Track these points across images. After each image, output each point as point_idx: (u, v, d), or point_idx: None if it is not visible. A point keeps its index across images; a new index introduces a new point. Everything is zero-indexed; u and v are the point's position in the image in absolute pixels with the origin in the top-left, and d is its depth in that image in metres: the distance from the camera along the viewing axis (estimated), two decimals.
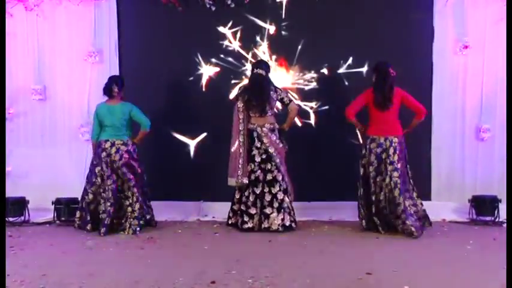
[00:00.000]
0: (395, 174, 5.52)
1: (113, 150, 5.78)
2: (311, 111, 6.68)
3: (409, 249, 5.00)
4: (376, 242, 5.31)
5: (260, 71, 5.83)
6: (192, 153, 6.77)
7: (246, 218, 5.77)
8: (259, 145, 5.79)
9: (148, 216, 6.00)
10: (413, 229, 5.40)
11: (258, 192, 5.76)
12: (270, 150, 5.77)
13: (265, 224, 5.73)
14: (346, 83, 6.62)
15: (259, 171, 5.78)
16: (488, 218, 6.11)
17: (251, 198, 5.77)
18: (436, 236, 5.57)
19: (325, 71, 6.65)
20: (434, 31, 6.51)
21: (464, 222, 6.19)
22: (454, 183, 6.60)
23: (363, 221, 5.74)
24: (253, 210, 5.77)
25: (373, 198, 5.62)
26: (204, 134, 6.75)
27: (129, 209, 5.76)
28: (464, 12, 6.46)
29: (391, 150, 5.57)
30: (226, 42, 6.67)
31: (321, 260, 4.61)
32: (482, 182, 6.52)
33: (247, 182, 5.76)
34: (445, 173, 6.62)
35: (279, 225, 5.71)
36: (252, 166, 5.79)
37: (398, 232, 5.50)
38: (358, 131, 6.21)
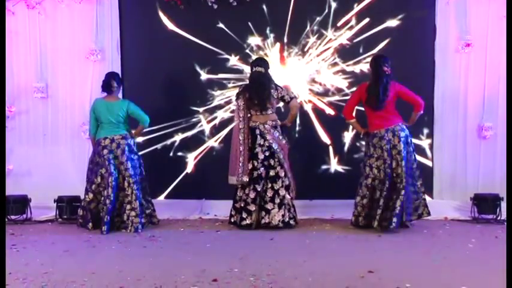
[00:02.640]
0: (403, 163, 5.52)
1: (114, 145, 5.77)
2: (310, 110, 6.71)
3: (411, 247, 5.00)
4: (378, 240, 5.31)
5: (259, 69, 5.83)
6: (193, 151, 6.77)
7: (244, 215, 5.77)
8: (262, 142, 5.79)
9: (148, 211, 5.98)
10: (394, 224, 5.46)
11: (259, 190, 5.76)
12: (273, 146, 5.77)
13: (265, 219, 5.72)
14: (347, 81, 6.61)
15: (262, 168, 5.77)
16: (490, 216, 6.11)
17: (251, 196, 5.77)
18: (438, 234, 5.56)
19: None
20: (436, 29, 6.51)
21: (467, 220, 6.19)
22: (456, 181, 6.59)
23: (359, 218, 5.73)
24: (252, 207, 5.77)
25: (385, 189, 5.54)
26: (206, 132, 6.74)
27: (129, 206, 5.75)
28: (467, 10, 6.45)
29: (396, 140, 5.56)
30: (228, 40, 6.67)
31: (323, 258, 4.60)
32: (484, 180, 6.51)
33: (247, 180, 5.76)
34: (447, 171, 6.61)
35: (279, 221, 5.71)
36: (255, 164, 5.78)
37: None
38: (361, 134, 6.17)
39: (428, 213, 5.76)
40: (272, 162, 5.78)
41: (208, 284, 3.91)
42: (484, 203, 6.14)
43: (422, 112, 5.72)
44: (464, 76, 6.53)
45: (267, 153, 5.78)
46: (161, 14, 6.68)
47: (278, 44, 6.65)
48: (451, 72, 6.54)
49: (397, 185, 5.53)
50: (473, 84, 6.52)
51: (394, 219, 5.46)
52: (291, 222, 5.79)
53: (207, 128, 6.73)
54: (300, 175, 6.09)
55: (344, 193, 6.26)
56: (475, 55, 6.49)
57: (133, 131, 5.97)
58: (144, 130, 6.08)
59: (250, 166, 5.78)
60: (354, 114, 5.81)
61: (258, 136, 5.80)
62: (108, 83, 5.86)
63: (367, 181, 5.70)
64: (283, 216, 5.74)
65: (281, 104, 6.20)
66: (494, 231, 5.61)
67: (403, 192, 5.49)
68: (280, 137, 5.83)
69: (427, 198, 5.98)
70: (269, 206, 5.74)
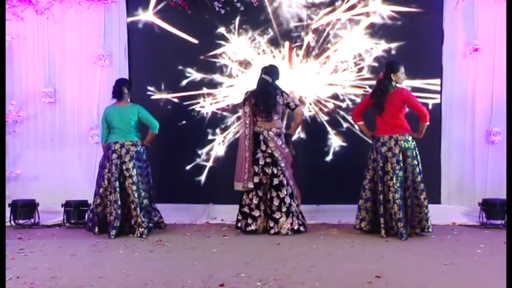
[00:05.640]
0: (401, 174, 5.50)
1: (123, 151, 5.79)
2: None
3: (419, 253, 4.97)
4: (385, 245, 5.29)
5: (266, 77, 5.83)
6: (200, 156, 6.78)
7: (249, 221, 5.78)
8: (264, 148, 5.78)
9: (156, 218, 6.00)
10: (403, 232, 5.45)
11: (261, 195, 5.77)
12: (275, 154, 5.76)
13: (275, 229, 5.72)
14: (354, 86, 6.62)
15: (262, 174, 5.78)
16: (498, 222, 6.07)
17: (255, 201, 5.78)
18: (446, 239, 5.54)
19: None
20: (444, 34, 6.50)
21: (475, 225, 6.17)
22: (464, 186, 6.57)
23: (362, 223, 5.71)
24: (257, 213, 5.78)
25: (381, 198, 5.55)
26: (213, 137, 6.75)
27: (134, 213, 5.76)
28: (475, 15, 6.45)
29: (397, 149, 5.53)
30: (235, 45, 6.68)
31: (330, 263, 4.59)
32: (492, 186, 6.48)
33: (252, 186, 5.76)
34: (455, 176, 6.59)
35: (288, 229, 5.71)
36: (256, 169, 5.79)
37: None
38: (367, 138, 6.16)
39: (429, 229, 5.64)
40: (275, 170, 5.76)
41: None
42: (492, 208, 6.11)
43: (428, 123, 5.62)
44: (472, 81, 6.52)
45: (268, 160, 5.78)
46: (169, 19, 6.71)
47: (285, 48, 6.66)
48: (459, 77, 6.53)
49: (391, 194, 5.50)
50: (481, 89, 6.51)
51: (402, 230, 5.44)
52: (301, 228, 5.78)
53: (214, 132, 6.74)
54: (306, 180, 6.07)
55: (351, 198, 6.24)
56: (483, 60, 6.48)
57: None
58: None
59: (252, 171, 5.79)
60: (362, 117, 5.81)
61: (261, 142, 5.79)
62: (119, 90, 5.87)
63: (370, 184, 5.69)
64: (291, 224, 5.73)
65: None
66: (503, 237, 5.56)
67: (398, 201, 5.45)
68: (283, 146, 5.80)
69: (436, 204, 5.93)
70: (277, 215, 5.73)
